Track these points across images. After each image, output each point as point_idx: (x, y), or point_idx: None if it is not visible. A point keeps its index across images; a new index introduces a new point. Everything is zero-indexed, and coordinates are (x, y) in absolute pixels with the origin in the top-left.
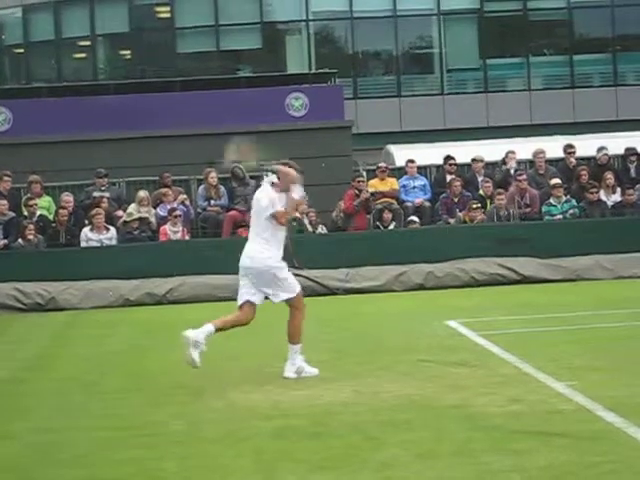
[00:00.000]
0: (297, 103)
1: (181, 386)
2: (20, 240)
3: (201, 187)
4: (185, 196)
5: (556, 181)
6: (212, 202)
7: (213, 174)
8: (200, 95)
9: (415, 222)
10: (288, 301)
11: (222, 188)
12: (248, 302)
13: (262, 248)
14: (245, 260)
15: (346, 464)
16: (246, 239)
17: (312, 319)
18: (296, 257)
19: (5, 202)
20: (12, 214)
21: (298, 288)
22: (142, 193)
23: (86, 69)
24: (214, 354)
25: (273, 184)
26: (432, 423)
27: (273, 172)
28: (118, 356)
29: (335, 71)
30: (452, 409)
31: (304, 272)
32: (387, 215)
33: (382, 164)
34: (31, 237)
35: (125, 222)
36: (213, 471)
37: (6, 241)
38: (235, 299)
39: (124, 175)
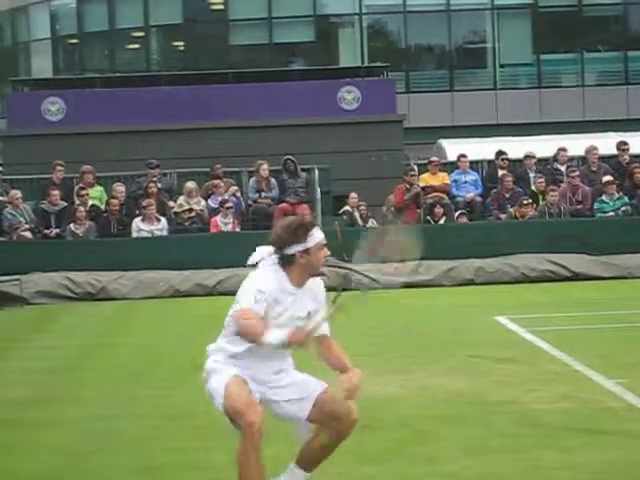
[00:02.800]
0: (349, 97)
1: None
2: (72, 229)
3: (252, 179)
4: (236, 188)
5: (608, 178)
6: (263, 194)
7: (265, 166)
8: (252, 87)
9: (466, 217)
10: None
11: (273, 180)
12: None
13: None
14: None
15: (393, 457)
16: None
17: (361, 313)
18: (345, 251)
19: (57, 192)
20: (64, 204)
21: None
22: (190, 184)
23: (139, 60)
24: None
25: (286, 266)
26: (481, 418)
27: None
28: (168, 346)
29: (388, 65)
30: (501, 405)
31: (354, 266)
32: (438, 210)
33: (434, 158)
34: (82, 227)
35: (176, 213)
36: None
37: (58, 230)
38: None
39: (175, 166)
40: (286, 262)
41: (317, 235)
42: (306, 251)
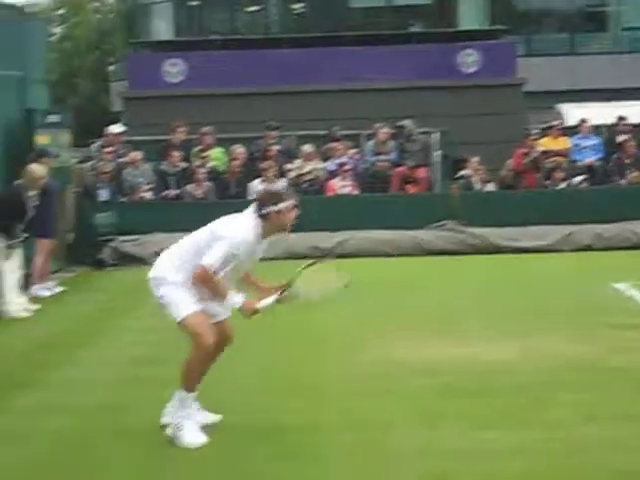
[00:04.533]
0: (469, 59)
1: (342, 339)
2: (191, 191)
3: (370, 142)
4: (354, 150)
5: None
6: (381, 157)
7: (384, 129)
8: (371, 50)
9: (585, 182)
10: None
11: (391, 143)
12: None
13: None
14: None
15: (510, 423)
16: (413, 196)
17: (479, 277)
18: (464, 215)
19: (178, 153)
20: (184, 165)
21: (185, 312)
22: (307, 147)
23: (259, 22)
24: (375, 309)
25: (264, 216)
26: (600, 385)
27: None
28: (279, 309)
29: (508, 27)
30: (619, 371)
31: (472, 230)
32: (557, 174)
33: (555, 122)
34: (202, 188)
35: (294, 175)
36: (375, 425)
37: (177, 192)
38: (400, 255)
39: (294, 128)
40: (263, 217)
41: (289, 201)
42: (278, 212)
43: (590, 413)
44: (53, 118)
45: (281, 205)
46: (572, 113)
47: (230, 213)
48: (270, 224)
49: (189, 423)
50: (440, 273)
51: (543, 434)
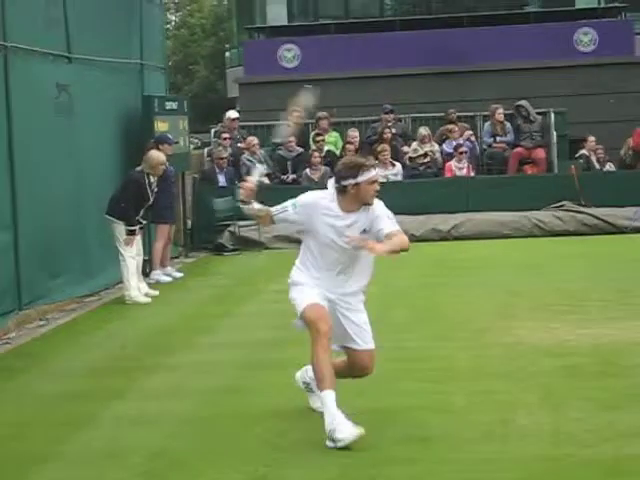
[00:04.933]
0: (586, 38)
1: (467, 321)
2: (308, 175)
3: (487, 123)
4: (471, 132)
5: None
6: (498, 139)
7: (500, 110)
8: (487, 31)
9: None
10: None
11: (508, 124)
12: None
13: None
14: None
15: (634, 404)
16: (531, 177)
17: (599, 257)
18: (582, 195)
19: (293, 137)
20: (300, 149)
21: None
22: (423, 130)
23: (373, 5)
24: (498, 289)
25: (342, 189)
26: None
27: None
28: (406, 291)
29: (626, 5)
30: None
31: (591, 210)
32: None
33: None
34: (318, 172)
35: (411, 158)
36: (500, 407)
37: (294, 176)
38: (518, 236)
39: (410, 111)
40: (341, 191)
41: (369, 173)
42: (357, 185)
43: None
44: (171, 105)
45: (359, 178)
46: None
47: None
48: (349, 197)
49: (337, 421)
50: (559, 254)
51: None
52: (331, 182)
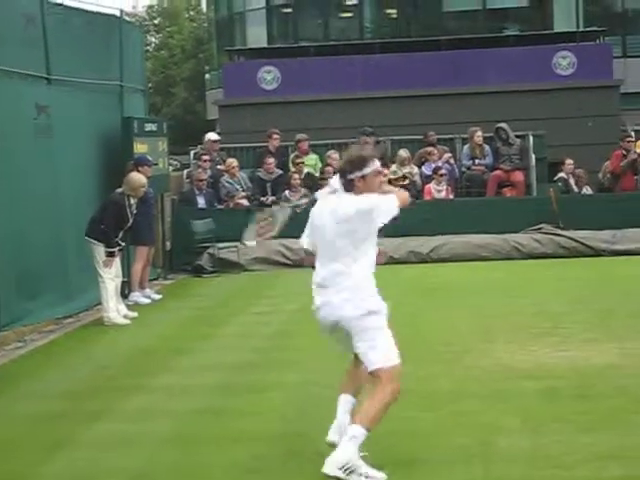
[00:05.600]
0: (564, 62)
1: (447, 343)
2: (287, 197)
3: (466, 146)
4: (450, 155)
5: None
6: (477, 161)
7: (479, 133)
8: (465, 54)
9: None
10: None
11: (487, 147)
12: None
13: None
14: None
15: (614, 426)
16: (510, 199)
17: (577, 280)
18: (561, 218)
19: (273, 160)
20: (280, 172)
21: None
22: (403, 152)
23: (352, 28)
24: (476, 311)
25: (348, 184)
26: None
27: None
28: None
29: (604, 29)
30: None
31: (569, 233)
32: None
33: None
34: (298, 194)
35: (390, 180)
36: (479, 429)
37: (274, 198)
38: (497, 259)
39: (388, 133)
40: (347, 187)
41: (374, 164)
42: (363, 177)
43: None
44: (150, 126)
45: (365, 170)
46: None
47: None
48: (356, 191)
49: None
50: (538, 276)
51: None
52: (335, 180)
